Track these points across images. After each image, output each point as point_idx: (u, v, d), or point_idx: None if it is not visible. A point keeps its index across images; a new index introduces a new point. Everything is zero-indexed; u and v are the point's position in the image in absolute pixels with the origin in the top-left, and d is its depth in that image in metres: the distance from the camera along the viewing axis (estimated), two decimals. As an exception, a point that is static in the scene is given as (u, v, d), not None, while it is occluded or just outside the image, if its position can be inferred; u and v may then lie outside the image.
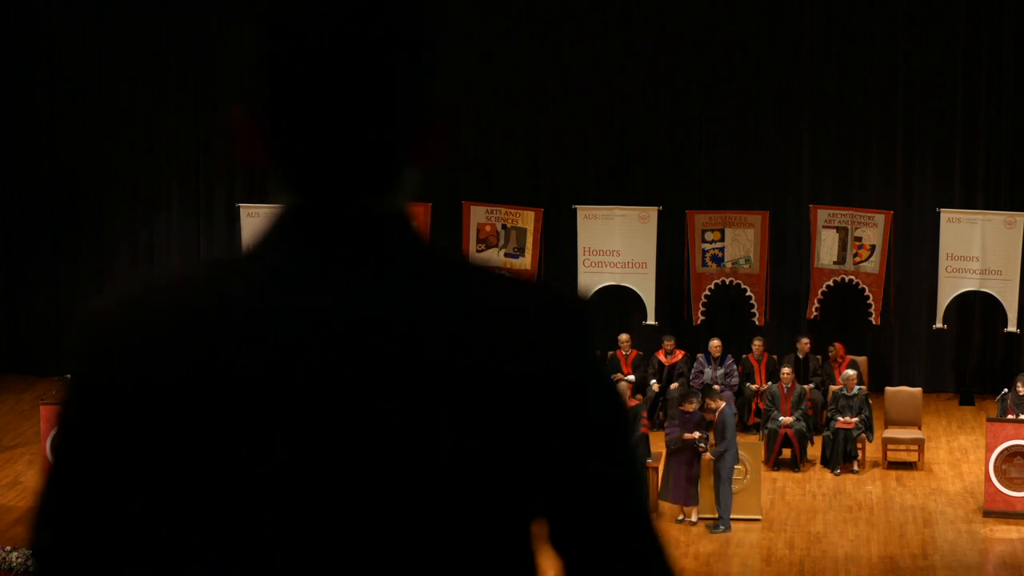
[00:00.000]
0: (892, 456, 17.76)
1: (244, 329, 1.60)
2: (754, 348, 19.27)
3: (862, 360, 19.65)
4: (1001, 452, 16.09)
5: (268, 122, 1.65)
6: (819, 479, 17.29)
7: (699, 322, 20.19)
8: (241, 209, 20.60)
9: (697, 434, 15.81)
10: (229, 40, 20.57)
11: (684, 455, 15.77)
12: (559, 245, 20.53)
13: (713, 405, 16.13)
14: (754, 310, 20.08)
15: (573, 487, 1.64)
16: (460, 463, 1.60)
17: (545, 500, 1.65)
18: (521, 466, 1.63)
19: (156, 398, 1.61)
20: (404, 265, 1.64)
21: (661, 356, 19.44)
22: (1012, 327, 19.70)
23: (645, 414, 16.57)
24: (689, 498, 15.70)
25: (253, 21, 1.65)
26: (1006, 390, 17.87)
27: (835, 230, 19.95)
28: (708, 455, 15.72)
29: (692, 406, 16.10)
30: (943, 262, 19.70)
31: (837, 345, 19.40)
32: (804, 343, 19.26)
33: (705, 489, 15.72)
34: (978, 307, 20.54)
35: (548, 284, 1.68)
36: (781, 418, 17.65)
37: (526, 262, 20.36)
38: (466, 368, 1.60)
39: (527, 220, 20.44)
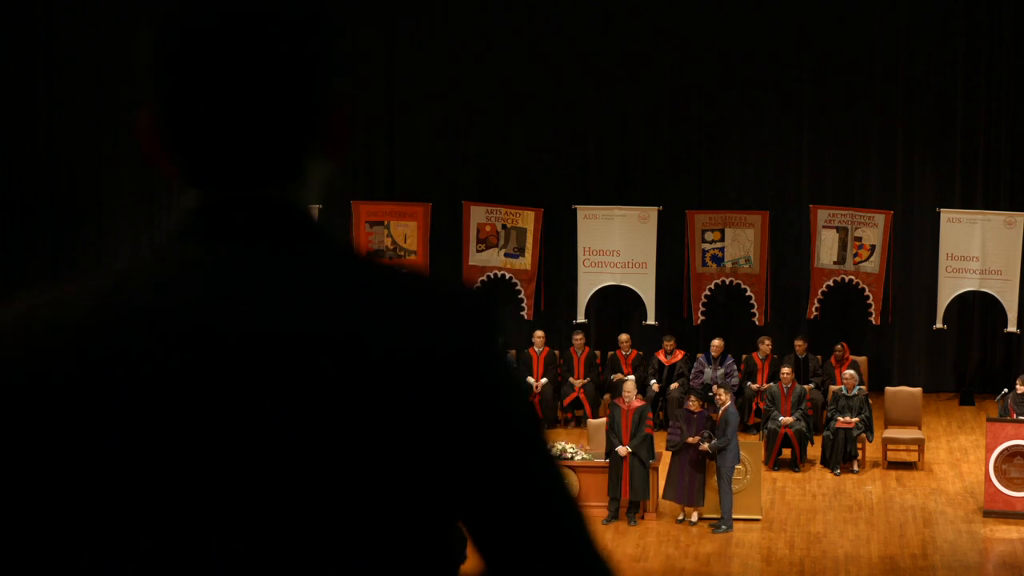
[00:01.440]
0: (892, 456, 17.76)
1: (130, 333, 1.56)
2: (761, 348, 19.26)
3: (862, 360, 19.66)
4: (1001, 452, 16.09)
5: (164, 118, 1.62)
6: (819, 479, 17.29)
7: (699, 322, 20.19)
8: (241, 209, 20.58)
9: (696, 437, 15.80)
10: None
11: (690, 455, 15.76)
12: (559, 245, 20.53)
13: (722, 398, 16.18)
14: (754, 310, 20.09)
15: (485, 485, 1.59)
16: (363, 467, 1.55)
17: (459, 501, 1.60)
18: (429, 466, 1.57)
19: (39, 407, 1.56)
20: (301, 260, 1.59)
21: (661, 356, 19.44)
22: (1012, 327, 19.70)
23: (651, 415, 16.56)
24: (694, 499, 15.69)
25: (145, 16, 1.63)
26: (1006, 390, 17.86)
27: (835, 230, 19.96)
28: (705, 446, 15.70)
29: (696, 405, 16.10)
30: (943, 262, 19.70)
31: (844, 345, 19.41)
32: (799, 344, 19.26)
33: (710, 491, 15.71)
34: (978, 307, 20.54)
35: (446, 279, 1.63)
36: (781, 418, 17.65)
37: (526, 262, 20.36)
38: (365, 367, 1.55)
39: (527, 220, 20.43)
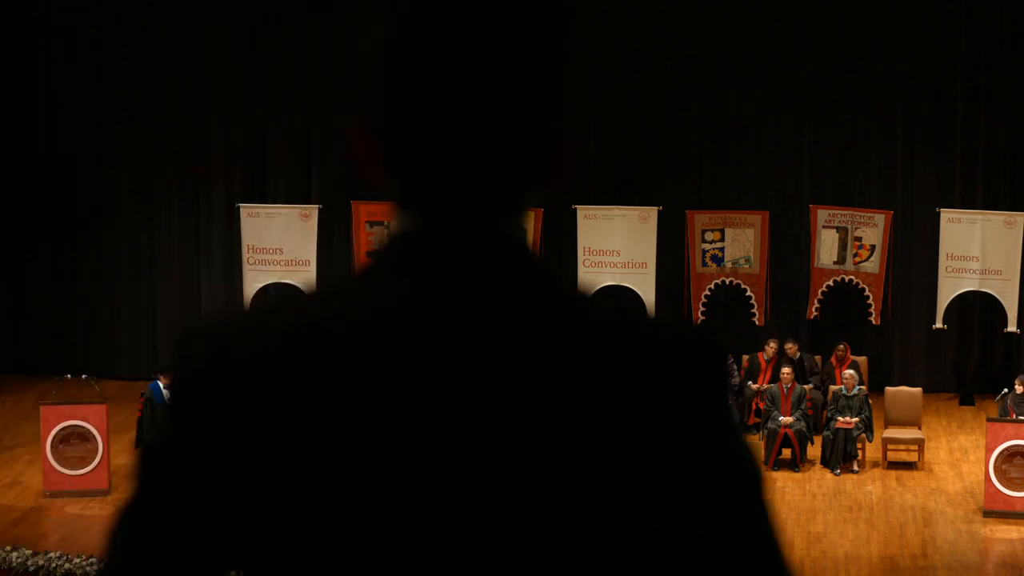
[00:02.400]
0: (892, 456, 17.76)
1: (368, 351, 1.56)
2: (767, 349, 19.25)
3: (862, 360, 19.66)
4: (1001, 452, 16.09)
5: (393, 140, 1.62)
6: (819, 479, 17.29)
7: (699, 322, 20.15)
8: (241, 209, 20.59)
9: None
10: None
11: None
12: (559, 245, 20.52)
13: None
14: (754, 310, 20.09)
15: (711, 540, 1.57)
16: (592, 500, 1.54)
17: (674, 551, 1.58)
18: (655, 509, 1.56)
19: (266, 416, 1.56)
20: (523, 292, 1.59)
21: (661, 356, 19.42)
22: (1012, 327, 19.69)
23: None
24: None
25: (385, 38, 1.62)
26: (1006, 390, 17.87)
27: (835, 230, 19.96)
28: None
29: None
30: (943, 262, 19.69)
31: (846, 344, 19.40)
32: (790, 347, 19.23)
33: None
34: (978, 307, 20.54)
35: (675, 320, 1.61)
36: (781, 418, 17.66)
37: (526, 262, 20.35)
38: (605, 400, 1.54)
39: (527, 220, 20.43)
